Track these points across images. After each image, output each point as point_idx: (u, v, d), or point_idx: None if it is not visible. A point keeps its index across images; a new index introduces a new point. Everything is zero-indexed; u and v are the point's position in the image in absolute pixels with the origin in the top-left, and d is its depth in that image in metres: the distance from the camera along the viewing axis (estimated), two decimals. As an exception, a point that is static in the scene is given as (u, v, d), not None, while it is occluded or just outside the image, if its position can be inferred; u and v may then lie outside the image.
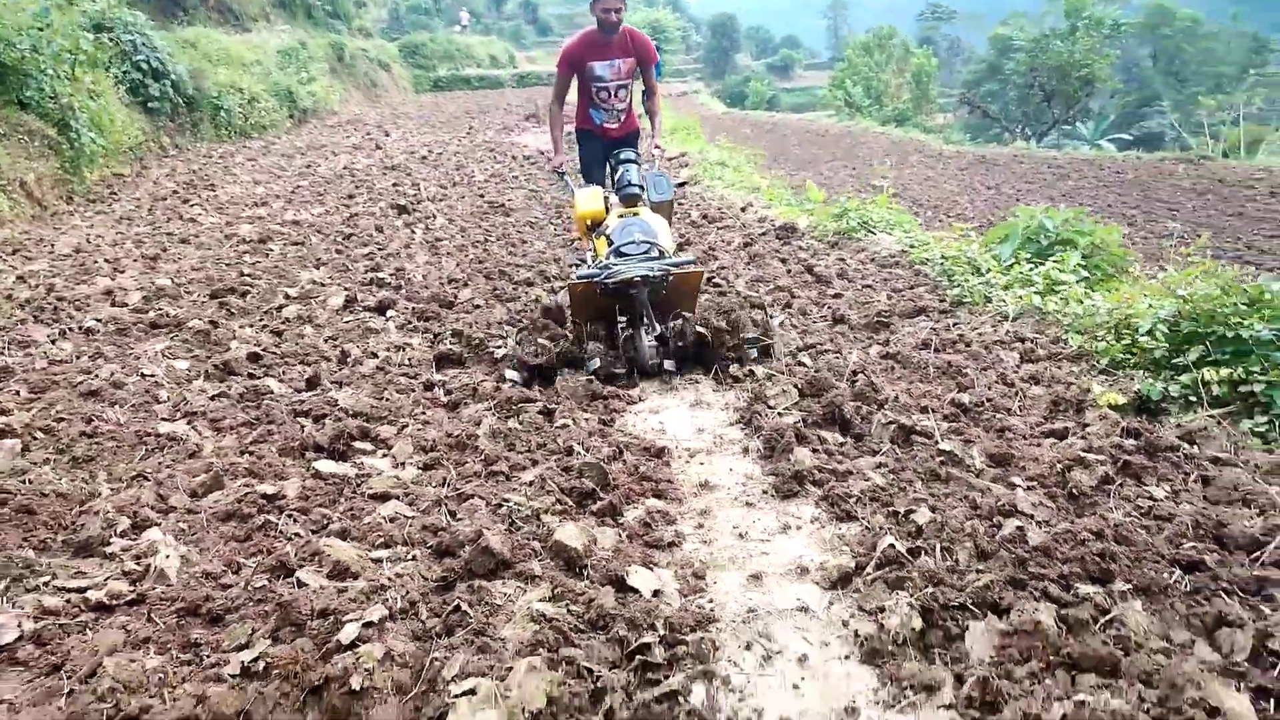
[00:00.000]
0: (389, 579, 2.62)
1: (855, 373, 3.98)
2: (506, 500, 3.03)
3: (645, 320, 4.33)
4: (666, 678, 2.16)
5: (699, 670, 2.20)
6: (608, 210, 4.88)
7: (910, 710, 2.10)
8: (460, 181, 11.34)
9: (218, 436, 3.73)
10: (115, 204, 9.46)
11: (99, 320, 5.19)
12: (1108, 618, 2.30)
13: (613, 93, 5.46)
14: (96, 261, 6.69)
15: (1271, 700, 2.04)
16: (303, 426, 3.77)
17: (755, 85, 59.53)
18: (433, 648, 2.32)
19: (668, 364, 4.37)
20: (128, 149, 11.69)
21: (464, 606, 2.46)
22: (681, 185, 5.30)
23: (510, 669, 2.14)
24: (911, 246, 6.32)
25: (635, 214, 4.62)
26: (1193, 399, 3.48)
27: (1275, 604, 2.32)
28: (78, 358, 4.61)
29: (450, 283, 6.22)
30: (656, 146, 5.44)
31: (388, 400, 4.08)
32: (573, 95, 5.84)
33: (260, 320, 5.34)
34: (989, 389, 3.86)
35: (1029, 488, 2.99)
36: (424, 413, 3.94)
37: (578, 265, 5.49)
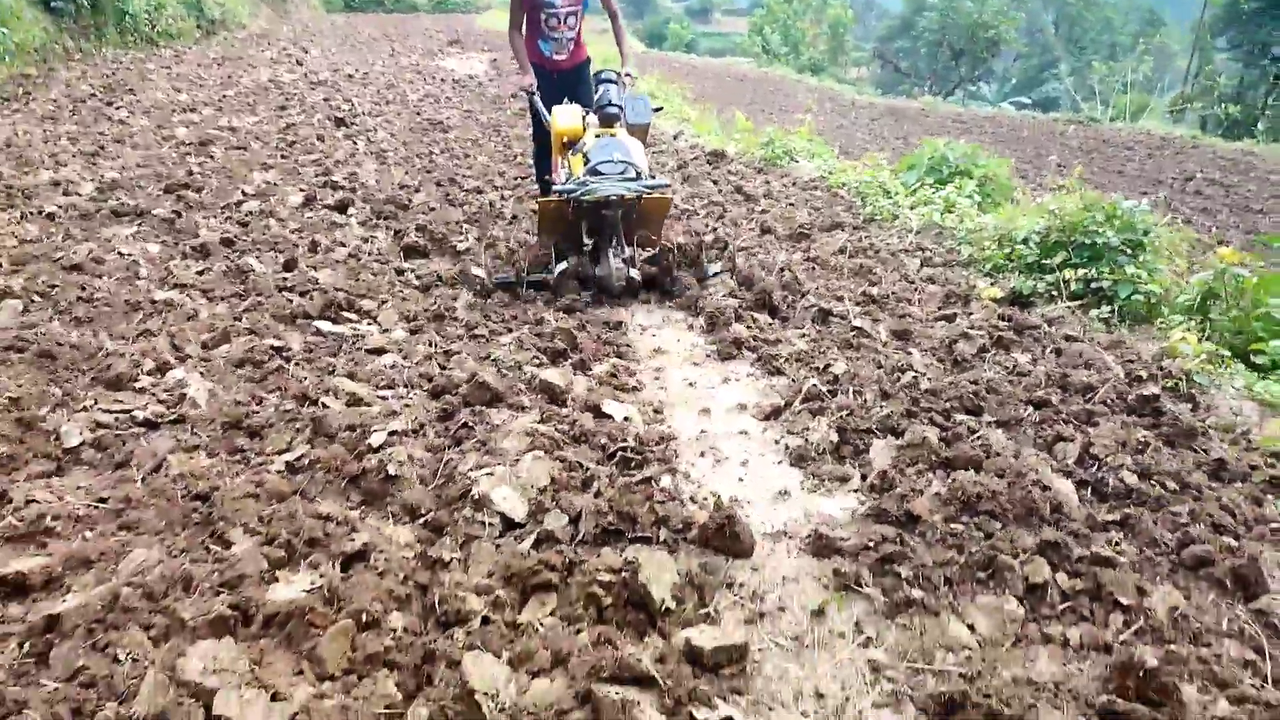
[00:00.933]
0: (396, 410, 3.10)
1: (782, 270, 4.60)
2: (490, 353, 3.53)
3: (614, 241, 4.40)
4: (641, 469, 2.74)
5: (665, 467, 2.79)
6: (585, 129, 4.78)
7: (827, 494, 2.74)
8: (393, 100, 11.41)
9: (211, 305, 4.07)
10: (32, 103, 9.24)
11: (59, 207, 5.33)
12: (976, 436, 2.98)
13: (562, 19, 5.32)
14: (35, 154, 6.71)
15: (1089, 488, 2.75)
16: (290, 299, 4.14)
17: (675, 28, 58.95)
18: (447, 454, 2.84)
19: (667, 282, 4.56)
20: (33, 49, 11.29)
21: (469, 423, 2.97)
22: (658, 110, 5.09)
23: (518, 460, 2.68)
24: (830, 173, 6.99)
25: (612, 134, 4.54)
26: (1055, 294, 4.23)
27: (1099, 428, 3.04)
28: (48, 238, 4.80)
29: (402, 188, 6.54)
30: (628, 74, 5.13)
31: (364, 281, 4.47)
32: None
33: (222, 213, 5.57)
34: (894, 285, 4.54)
35: (923, 354, 3.67)
36: (401, 291, 4.36)
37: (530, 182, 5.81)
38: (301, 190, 6.14)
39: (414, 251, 5.02)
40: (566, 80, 5.47)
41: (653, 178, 4.37)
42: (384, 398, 3.22)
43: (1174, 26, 56.29)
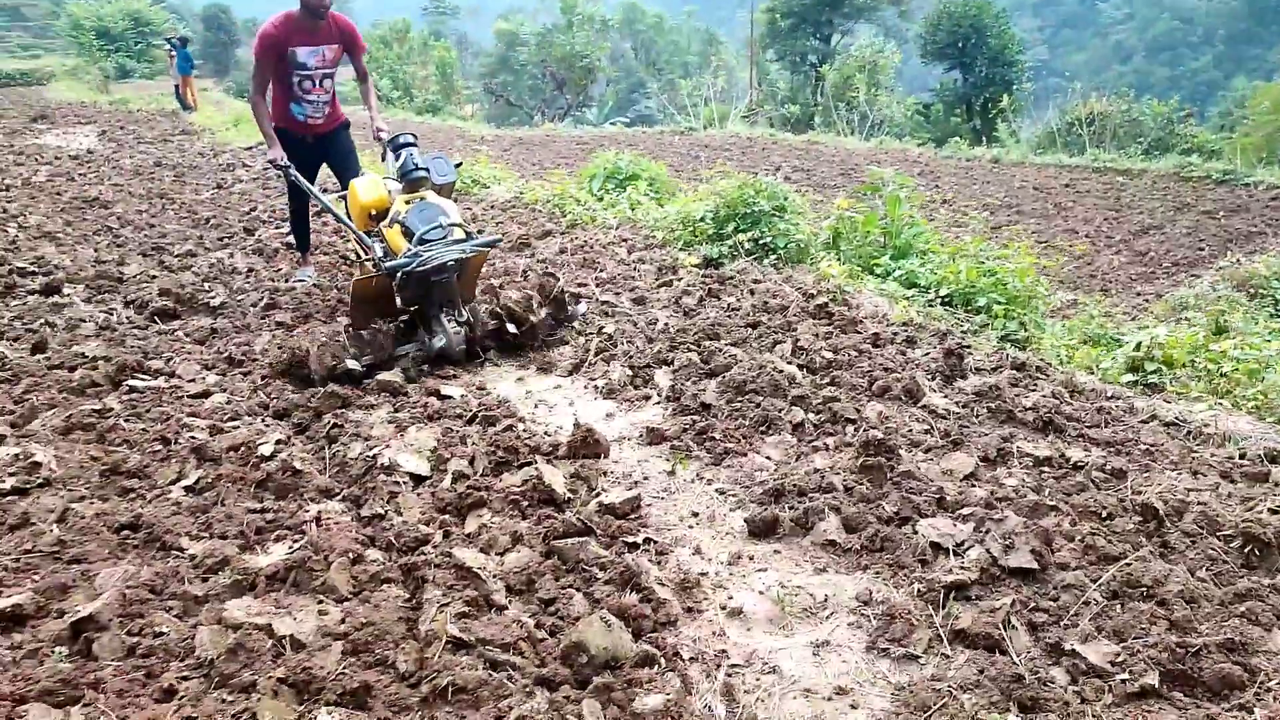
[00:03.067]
0: (262, 429, 3.47)
1: (524, 272, 5.44)
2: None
3: (447, 308, 4.20)
4: (497, 424, 3.44)
5: (516, 418, 3.51)
6: (391, 197, 4.52)
7: (639, 409, 3.64)
8: (14, 186, 10.39)
9: (-18, 395, 3.97)
10: None
11: None
12: (723, 352, 4.06)
13: (317, 82, 5.03)
14: None
15: (804, 368, 3.93)
16: (69, 375, 4.15)
17: None
18: (330, 449, 3.31)
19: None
20: None
21: (337, 423, 3.45)
22: (458, 166, 4.83)
23: (403, 433, 3.25)
24: (521, 193, 7.93)
25: (421, 198, 4.34)
26: (735, 253, 5.55)
27: (797, 331, 4.27)
28: None
29: (102, 263, 6.36)
30: (379, 129, 5.13)
31: (135, 346, 4.55)
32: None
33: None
34: (617, 269, 5.59)
35: (661, 310, 4.72)
36: (183, 348, 4.53)
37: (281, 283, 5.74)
38: (-13, 284, 5.77)
39: (166, 315, 5.10)
40: (323, 145, 5.31)
41: (470, 235, 4.29)
42: (236, 426, 3.55)
43: (729, 44, 65.10)
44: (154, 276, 5.98)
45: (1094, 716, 1.90)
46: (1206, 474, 2.89)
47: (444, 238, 4.10)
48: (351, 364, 3.96)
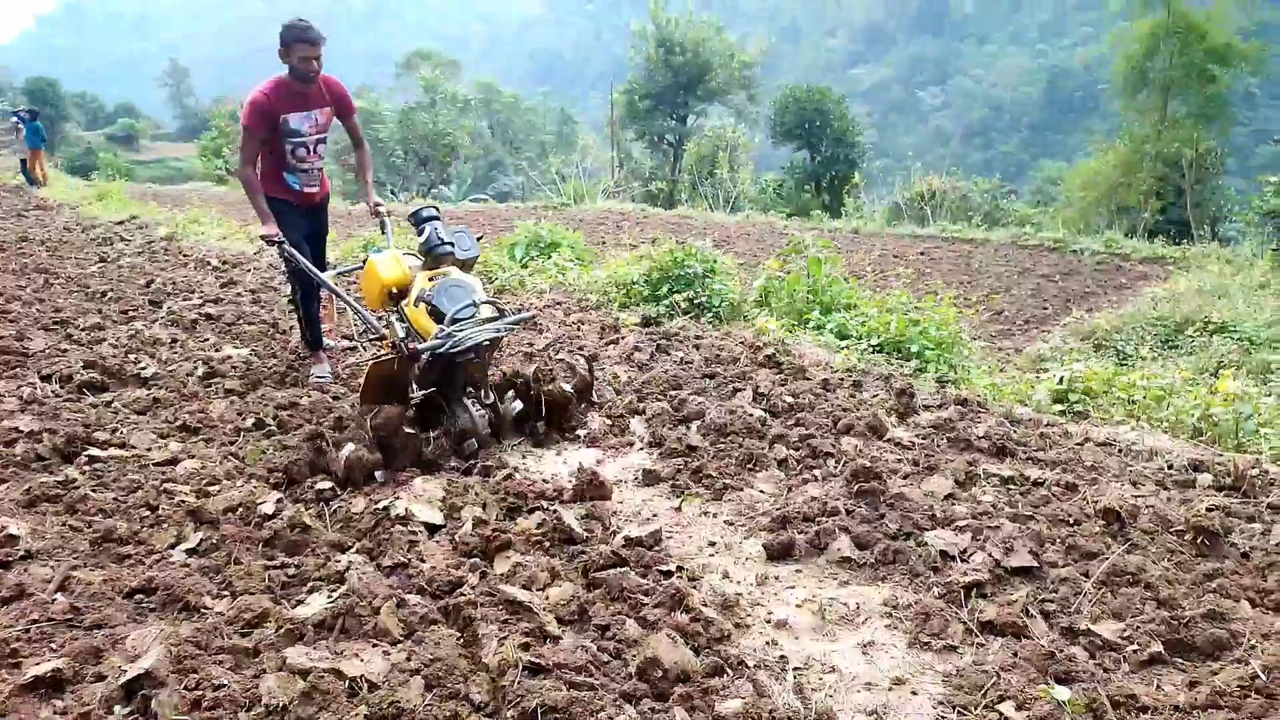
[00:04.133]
0: (251, 492, 3.41)
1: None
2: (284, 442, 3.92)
3: (472, 391, 4.00)
4: (496, 474, 3.51)
5: (511, 469, 3.59)
6: (412, 274, 4.28)
7: (625, 455, 3.80)
8: None
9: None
10: None
11: None
12: (688, 401, 4.28)
13: (311, 148, 4.81)
14: None
15: (768, 412, 4.20)
16: (8, 449, 3.92)
17: (105, 158, 52.50)
18: (330, 506, 3.30)
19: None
20: None
21: (328, 487, 3.44)
22: (479, 239, 4.60)
23: (410, 485, 3.28)
24: (441, 262, 8.03)
25: (445, 274, 4.13)
26: (673, 313, 5.84)
27: (754, 379, 4.56)
28: None
29: (-1, 340, 5.98)
30: (377, 203, 4.98)
31: (72, 419, 4.33)
32: None
33: None
34: (558, 330, 5.75)
35: (616, 365, 4.92)
36: (127, 419, 4.34)
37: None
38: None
39: (94, 387, 4.87)
40: (312, 215, 5.09)
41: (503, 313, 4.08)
42: (220, 490, 3.47)
43: (583, 124, 66.50)
44: (64, 350, 5.68)
45: (1118, 683, 2.19)
46: (1144, 483, 3.33)
47: (473, 317, 3.89)
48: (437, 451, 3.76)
